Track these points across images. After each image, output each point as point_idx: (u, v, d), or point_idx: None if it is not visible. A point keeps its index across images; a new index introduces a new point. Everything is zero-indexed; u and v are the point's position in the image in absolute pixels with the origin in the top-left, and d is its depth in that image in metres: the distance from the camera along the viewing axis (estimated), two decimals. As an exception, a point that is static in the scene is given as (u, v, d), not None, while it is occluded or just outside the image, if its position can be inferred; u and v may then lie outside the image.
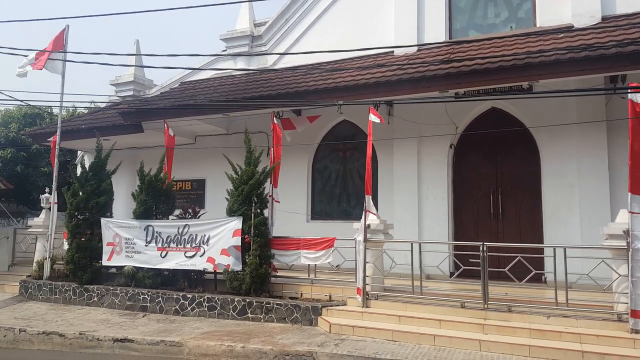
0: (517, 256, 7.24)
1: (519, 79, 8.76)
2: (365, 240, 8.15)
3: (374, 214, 8.30)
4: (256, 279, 8.75)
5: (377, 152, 10.57)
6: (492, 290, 7.31)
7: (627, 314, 6.39)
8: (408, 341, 6.92)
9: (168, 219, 10.30)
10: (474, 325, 6.96)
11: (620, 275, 6.64)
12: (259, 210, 9.19)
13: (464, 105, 10.08)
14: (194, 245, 9.54)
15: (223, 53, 12.89)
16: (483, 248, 7.20)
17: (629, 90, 6.82)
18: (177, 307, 9.11)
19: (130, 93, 14.54)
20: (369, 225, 8.19)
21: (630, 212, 6.46)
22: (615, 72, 8.36)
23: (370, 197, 8.35)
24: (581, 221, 8.97)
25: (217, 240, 9.25)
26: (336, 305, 8.15)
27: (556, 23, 9.66)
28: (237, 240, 9.00)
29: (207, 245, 9.38)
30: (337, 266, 8.81)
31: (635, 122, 6.58)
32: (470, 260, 7.45)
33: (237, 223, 9.07)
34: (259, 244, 8.89)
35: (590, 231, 8.47)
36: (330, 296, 8.58)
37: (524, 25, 10.31)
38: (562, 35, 9.09)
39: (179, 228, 9.72)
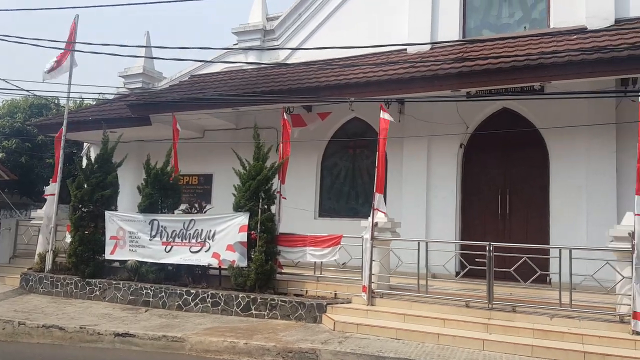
0: (523, 257, 7.24)
1: (531, 80, 8.71)
2: (373, 238, 8.06)
3: (383, 212, 8.22)
4: (261, 275, 8.64)
5: (387, 150, 10.41)
6: (497, 290, 7.31)
7: (630, 315, 6.45)
8: (412, 340, 6.90)
9: (173, 213, 10.23)
10: (478, 324, 7.00)
11: (624, 278, 6.68)
12: (266, 207, 9.10)
13: (475, 105, 10.00)
14: (199, 240, 9.45)
15: (234, 47, 12.79)
16: (489, 248, 7.23)
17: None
18: (180, 302, 9.00)
19: (139, 85, 14.46)
20: (376, 224, 8.11)
21: (636, 214, 6.49)
22: (627, 75, 8.33)
23: (381, 195, 8.25)
24: (587, 223, 8.95)
25: (223, 236, 9.16)
26: (341, 303, 8.09)
27: (570, 24, 9.59)
28: (243, 236, 8.91)
29: (213, 241, 9.29)
30: (343, 264, 8.72)
31: (645, 124, 6.49)
32: (476, 260, 7.43)
33: (243, 219, 8.99)
34: (265, 240, 8.80)
35: (596, 233, 8.40)
36: (335, 294, 8.49)
37: (538, 26, 10.22)
38: (575, 36, 9.01)
39: (184, 223, 9.63)
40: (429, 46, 10.50)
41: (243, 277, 8.76)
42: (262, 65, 12.04)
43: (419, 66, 9.32)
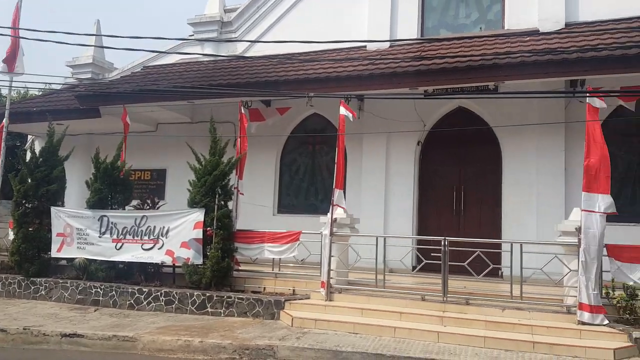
0: (477, 251, 7.43)
1: (486, 79, 9.00)
2: (332, 234, 8.05)
3: (343, 207, 8.22)
4: (217, 272, 8.45)
5: (346, 146, 10.41)
6: (451, 284, 7.47)
7: (576, 306, 6.71)
8: (369, 333, 6.94)
9: (124, 209, 9.85)
10: (433, 317, 7.11)
11: (571, 270, 6.95)
12: (222, 203, 8.90)
13: (432, 104, 10.18)
14: (152, 237, 9.15)
15: (190, 38, 12.42)
16: (444, 242, 7.40)
17: (588, 94, 7.04)
18: (132, 301, 8.67)
19: (89, 76, 13.81)
20: (335, 219, 8.10)
21: (583, 210, 6.77)
22: (576, 77, 8.69)
23: (341, 191, 8.24)
24: (537, 218, 9.28)
25: (177, 233, 8.90)
26: (299, 299, 8.04)
27: (523, 26, 9.90)
28: (199, 233, 8.69)
29: (166, 238, 9.02)
30: (302, 260, 8.65)
31: (592, 125, 6.84)
32: (432, 254, 7.59)
33: (198, 215, 8.76)
34: (221, 236, 8.62)
35: (545, 228, 8.72)
36: (293, 290, 8.42)
37: (493, 27, 10.50)
38: (528, 38, 9.33)
39: (136, 219, 9.30)
40: (388, 44, 10.58)
41: (198, 274, 8.54)
42: (220, 58, 11.75)
43: (378, 63, 9.37)
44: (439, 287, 7.41)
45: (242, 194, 9.38)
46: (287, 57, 10.12)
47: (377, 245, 7.88)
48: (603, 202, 6.71)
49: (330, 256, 7.95)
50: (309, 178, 11.60)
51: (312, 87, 9.22)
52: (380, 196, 10.39)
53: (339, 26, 11.04)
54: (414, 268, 8.46)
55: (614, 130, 9.09)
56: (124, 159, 10.01)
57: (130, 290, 8.72)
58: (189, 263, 8.65)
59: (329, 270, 7.90)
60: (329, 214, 8.13)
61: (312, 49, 10.44)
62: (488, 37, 9.79)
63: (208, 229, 8.65)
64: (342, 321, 7.23)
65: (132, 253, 9.18)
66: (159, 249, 9.03)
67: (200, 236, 8.65)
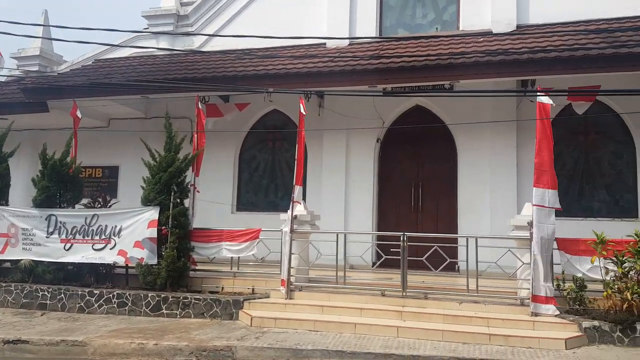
0: (434, 246, 7.56)
1: (442, 78, 9.19)
2: (292, 231, 7.96)
3: (303, 204, 8.15)
4: (173, 272, 8.19)
5: (306, 143, 10.30)
6: (410, 279, 7.55)
7: (529, 298, 6.89)
8: (330, 331, 6.91)
9: (74, 208, 9.41)
10: (393, 312, 7.17)
11: (523, 263, 7.15)
12: (178, 200, 8.67)
13: (391, 102, 10.29)
14: (103, 237, 8.80)
15: (145, 31, 12.00)
16: (403, 238, 7.48)
17: (538, 94, 7.28)
18: (82, 304, 8.29)
19: (36, 69, 13.12)
20: (296, 216, 8.02)
21: (534, 204, 6.98)
22: (526, 77, 8.99)
23: (301, 187, 8.18)
24: (491, 213, 9.56)
25: (130, 232, 8.60)
26: (259, 298, 7.90)
27: (477, 28, 10.17)
28: (153, 232, 8.40)
29: (119, 237, 8.70)
30: (261, 259, 8.52)
31: (542, 123, 7.08)
32: (391, 250, 7.64)
33: (153, 213, 8.48)
34: (177, 235, 8.36)
35: (499, 223, 8.97)
36: (253, 289, 8.29)
37: (449, 28, 10.71)
38: (481, 39, 9.59)
39: (86, 218, 8.92)
40: (347, 42, 10.60)
41: (153, 275, 8.25)
42: (176, 52, 11.41)
43: (337, 61, 9.39)
44: (398, 283, 7.47)
45: (199, 192, 9.15)
46: (246, 53, 9.96)
47: (337, 241, 7.87)
48: (552, 197, 6.95)
49: (290, 254, 7.86)
50: (269, 175, 11.48)
51: (271, 83, 9.09)
52: (340, 193, 10.41)
53: (298, 23, 10.98)
54: (374, 264, 8.51)
55: (562, 129, 9.48)
56: (73, 155, 9.57)
57: (80, 292, 8.34)
58: (143, 263, 8.35)
59: (289, 268, 7.80)
60: (289, 211, 8.04)
61: (271, 44, 10.29)
62: (444, 37, 9.99)
63: (163, 227, 8.38)
64: (302, 319, 7.15)
65: (83, 254, 8.79)
66: (110, 249, 8.69)
67: (155, 235, 8.37)
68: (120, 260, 8.63)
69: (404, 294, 7.40)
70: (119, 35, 12.37)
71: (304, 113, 8.27)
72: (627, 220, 9.11)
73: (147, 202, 8.65)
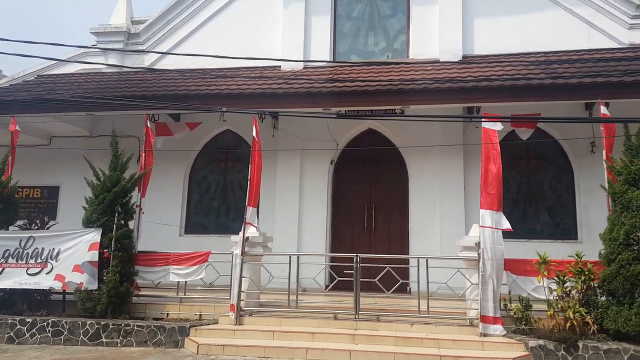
0: (387, 267, 7.60)
1: (393, 103, 9.42)
2: (243, 253, 7.76)
3: (255, 226, 7.97)
4: (114, 298, 7.78)
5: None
6: (363, 301, 7.51)
7: (478, 319, 6.99)
8: (280, 356, 6.74)
9: (8, 229, 8.80)
10: (346, 335, 7.09)
11: (472, 284, 7.28)
12: (122, 222, 8.31)
13: (345, 124, 10.44)
14: (39, 260, 8.28)
15: (93, 47, 11.61)
16: (356, 259, 7.47)
17: (483, 119, 7.59)
18: (11, 334, 7.69)
19: (-29, 83, 12.39)
20: (247, 238, 7.84)
21: (481, 226, 7.17)
22: (472, 104, 9.39)
23: (254, 208, 8.02)
24: (441, 235, 9.76)
25: (70, 255, 8.15)
26: (207, 324, 7.61)
27: (426, 57, 10.54)
28: (94, 255, 7.99)
29: (56, 261, 8.22)
30: (210, 283, 8.22)
31: (487, 147, 7.36)
32: (345, 271, 7.61)
33: (94, 235, 8.09)
34: (120, 259, 7.99)
35: (449, 244, 9.14)
36: (200, 315, 7.97)
37: (399, 56, 11.05)
38: (430, 67, 9.95)
39: (21, 240, 8.40)
40: (302, 65, 10.70)
41: (92, 301, 7.79)
42: (125, 69, 11.10)
43: (292, 83, 9.44)
44: (351, 305, 7.41)
45: (144, 213, 8.79)
46: (200, 72, 9.83)
47: (290, 264, 7.74)
48: (498, 218, 7.16)
49: (241, 277, 7.64)
50: (221, 196, 11.22)
51: (224, 103, 8.98)
52: (294, 214, 10.34)
53: (254, 46, 10.98)
54: (327, 287, 8.43)
55: (506, 154, 9.75)
56: (9, 174, 9.00)
57: (10, 321, 7.74)
58: (82, 288, 7.89)
59: (240, 292, 7.58)
60: (240, 233, 7.86)
61: (225, 65, 10.24)
62: (395, 64, 10.29)
63: (105, 250, 7.99)
64: (252, 345, 6.94)
65: (15, 279, 8.20)
66: (47, 273, 8.17)
67: (96, 258, 7.96)
68: (58, 286, 8.13)
69: (357, 316, 7.34)
70: (65, 50, 11.88)
71: (255, 137, 8.19)
72: (567, 242, 9.55)
73: (89, 223, 8.25)
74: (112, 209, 8.19)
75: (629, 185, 6.82)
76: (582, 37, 10.18)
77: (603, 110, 7.78)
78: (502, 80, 8.67)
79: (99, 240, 8.01)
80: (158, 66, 11.40)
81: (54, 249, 8.22)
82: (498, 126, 7.46)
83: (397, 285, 7.58)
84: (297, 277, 7.72)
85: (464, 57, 10.35)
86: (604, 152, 7.55)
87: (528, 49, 10.10)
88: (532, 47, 10.12)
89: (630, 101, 8.21)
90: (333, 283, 7.79)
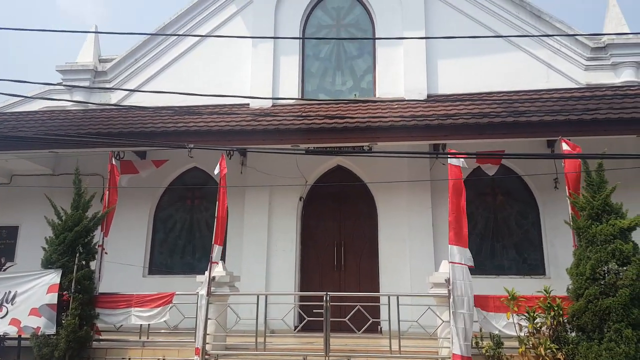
0: (357, 305, 7.46)
1: (361, 140, 9.49)
2: (209, 294, 7.52)
3: (221, 265, 7.78)
4: (73, 343, 7.43)
5: (228, 201, 10.11)
6: (333, 342, 7.30)
7: (450, 357, 6.85)
8: (247, 403, 6.39)
9: (-40, 272, 8.35)
10: (316, 378, 6.82)
11: (443, 322, 7.18)
12: (84, 262, 8.04)
13: (313, 161, 10.45)
14: (-6, 304, 7.82)
15: (58, 84, 11.42)
16: (326, 298, 7.31)
17: (449, 156, 7.72)
18: (-42, 385, 7.16)
19: None
20: (214, 278, 7.63)
21: (450, 262, 7.15)
22: (438, 141, 9.56)
23: (220, 247, 7.85)
24: (411, 271, 9.72)
25: (27, 298, 7.79)
26: (171, 370, 7.23)
27: (392, 95, 10.79)
28: (53, 298, 7.66)
29: (12, 305, 7.84)
30: (174, 326, 7.90)
31: (454, 183, 7.44)
32: (314, 311, 7.44)
33: (54, 277, 7.78)
34: (80, 301, 7.68)
35: (419, 280, 9.10)
36: (164, 359, 7.57)
37: (366, 94, 11.28)
38: (396, 105, 10.17)
39: (-26, 284, 7.92)
40: (271, 103, 10.79)
41: (50, 346, 7.41)
42: (91, 107, 10.96)
43: (261, 120, 9.43)
44: (321, 347, 7.19)
45: (107, 253, 8.49)
46: (168, 109, 9.78)
47: (257, 304, 7.50)
48: (466, 254, 7.17)
49: (206, 319, 7.38)
50: (187, 235, 10.97)
51: (192, 140, 8.88)
52: (262, 252, 10.15)
53: (222, 84, 11.06)
54: (296, 327, 8.24)
55: (472, 190, 10.03)
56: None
57: (-44, 371, 7.23)
58: (40, 333, 7.52)
59: (205, 334, 7.31)
60: (206, 273, 7.65)
61: (194, 103, 10.23)
62: (362, 102, 10.47)
63: (65, 292, 7.66)
64: (217, 391, 6.63)
65: (-34, 325, 7.72)
66: (1, 318, 7.78)
67: (55, 301, 7.63)
68: (13, 331, 7.72)
69: (327, 359, 7.10)
70: (30, 88, 11.67)
71: (215, 174, 8.12)
72: (536, 277, 9.62)
73: (48, 264, 7.94)
74: (73, 249, 7.93)
75: (592, 220, 6.95)
76: (541, 78, 10.62)
77: (565, 147, 8.02)
78: (465, 118, 8.88)
79: (58, 282, 7.70)
80: (125, 104, 11.30)
81: (10, 292, 7.85)
82: (462, 163, 7.58)
83: (367, 325, 7.41)
84: (265, 318, 7.48)
85: (429, 95, 10.62)
86: (566, 187, 7.74)
87: (490, 89, 10.44)
88: (494, 87, 10.47)
89: (589, 138, 8.51)
90: (302, 323, 7.60)
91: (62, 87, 11.40)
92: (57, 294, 7.64)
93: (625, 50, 10.44)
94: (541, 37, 10.59)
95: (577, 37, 10.48)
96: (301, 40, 11.40)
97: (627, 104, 8.57)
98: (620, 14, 10.90)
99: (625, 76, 10.35)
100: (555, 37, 10.58)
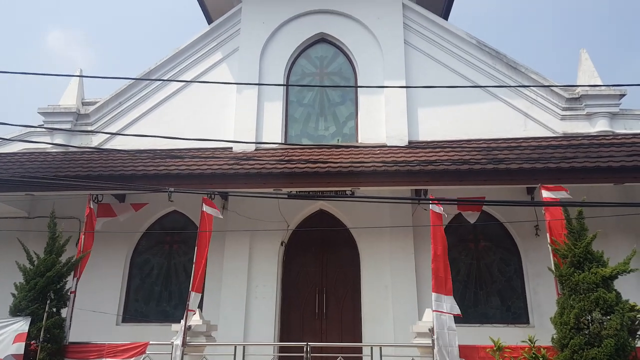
0: (339, 356, 7.22)
1: (343, 184, 9.49)
2: (184, 344, 7.23)
3: (198, 313, 7.52)
4: (39, 398, 6.95)
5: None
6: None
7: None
8: None
9: None
10: None
11: (427, 373, 6.93)
12: (54, 309, 7.73)
13: (296, 205, 10.38)
14: (-46, 356, 7.39)
15: (39, 126, 11.31)
16: (307, 349, 7.12)
17: (430, 202, 7.75)
18: None
19: None
20: (190, 327, 7.36)
21: (434, 310, 7.05)
22: (419, 186, 9.62)
23: (198, 294, 7.61)
24: (394, 320, 9.49)
25: (-10, 349, 7.31)
26: None
27: (374, 141, 10.92)
28: (20, 348, 7.28)
29: (-26, 356, 7.35)
30: (147, 378, 7.52)
31: (436, 230, 7.44)
32: (295, 362, 7.13)
33: (22, 325, 7.43)
34: (48, 351, 7.34)
35: (402, 329, 8.90)
36: (134, 416, 7.17)
37: (349, 140, 11.40)
38: (378, 151, 10.29)
39: None
40: (254, 147, 10.81)
41: (12, 402, 6.93)
42: (71, 149, 10.83)
43: (243, 164, 9.42)
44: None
45: (75, 298, 8.16)
46: (149, 153, 9.72)
47: (235, 355, 7.23)
48: (450, 303, 7.08)
49: (181, 371, 7.07)
50: (164, 281, 10.62)
51: (173, 183, 8.76)
52: (241, 299, 9.83)
53: (205, 128, 11.09)
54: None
55: (454, 236, 10.05)
56: None
57: None
58: (2, 387, 7.06)
59: (178, 387, 6.97)
60: (182, 321, 7.40)
61: (176, 146, 10.19)
62: (345, 147, 10.55)
63: (33, 342, 7.30)
64: None
65: None
66: (-38, 370, 7.30)
67: (22, 351, 7.24)
68: (-28, 386, 7.24)
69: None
70: (9, 130, 11.53)
71: (213, 214, 7.99)
72: (519, 326, 9.46)
73: (17, 311, 7.60)
74: (44, 296, 7.61)
75: (574, 268, 6.96)
76: (519, 126, 10.87)
77: (545, 194, 8.11)
78: (446, 164, 8.98)
79: (26, 331, 7.33)
80: (107, 146, 11.22)
81: (-28, 343, 7.41)
82: (441, 210, 7.62)
83: (350, 377, 7.19)
84: (243, 369, 7.22)
85: (410, 142, 10.78)
86: (547, 235, 7.78)
87: (469, 136, 10.64)
88: (473, 135, 10.67)
89: (567, 185, 8.63)
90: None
91: (42, 130, 11.28)
92: (24, 343, 7.26)
93: (598, 102, 10.78)
94: (517, 88, 10.93)
95: (552, 88, 10.82)
96: (285, 87, 11.60)
97: (603, 153, 8.77)
98: (592, 67, 11.33)
99: (599, 126, 10.65)
100: (531, 87, 10.94)
